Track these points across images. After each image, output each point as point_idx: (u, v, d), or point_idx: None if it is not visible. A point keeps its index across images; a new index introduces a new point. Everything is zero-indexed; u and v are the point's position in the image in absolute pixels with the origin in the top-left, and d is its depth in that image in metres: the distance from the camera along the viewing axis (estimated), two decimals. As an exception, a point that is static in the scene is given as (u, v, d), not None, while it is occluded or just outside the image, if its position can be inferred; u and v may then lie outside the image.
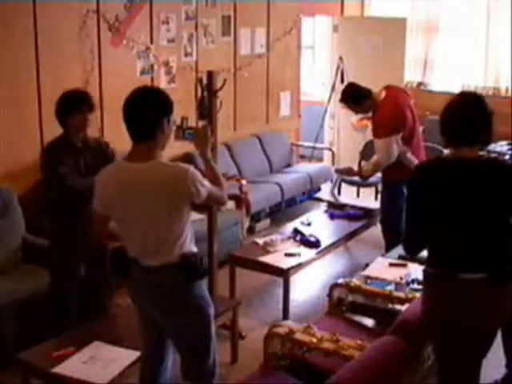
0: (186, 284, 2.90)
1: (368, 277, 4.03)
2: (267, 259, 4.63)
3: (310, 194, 7.43)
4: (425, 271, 2.92)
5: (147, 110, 2.82)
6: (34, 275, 4.29)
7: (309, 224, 5.32)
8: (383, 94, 5.09)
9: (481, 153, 2.87)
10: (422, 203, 2.79)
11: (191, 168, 2.85)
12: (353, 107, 5.22)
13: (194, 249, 2.98)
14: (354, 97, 5.12)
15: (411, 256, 3.08)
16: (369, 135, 5.94)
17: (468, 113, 2.79)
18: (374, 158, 5.15)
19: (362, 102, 5.08)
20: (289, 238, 5.00)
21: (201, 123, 3.57)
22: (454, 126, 2.81)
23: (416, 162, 4.99)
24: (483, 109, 2.79)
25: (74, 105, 3.86)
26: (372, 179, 6.08)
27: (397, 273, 4.04)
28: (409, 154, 5.03)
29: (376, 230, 5.59)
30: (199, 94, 3.99)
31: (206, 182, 2.92)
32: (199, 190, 2.84)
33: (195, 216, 5.55)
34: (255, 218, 6.47)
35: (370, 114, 5.21)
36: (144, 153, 2.83)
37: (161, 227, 2.86)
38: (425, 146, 5.39)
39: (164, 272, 2.87)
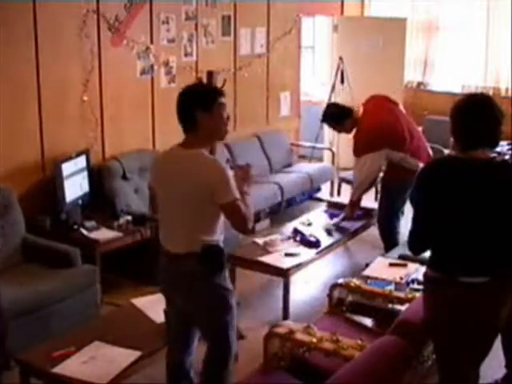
0: (207, 273, 3.06)
1: (368, 277, 4.03)
2: (267, 259, 4.63)
3: (309, 194, 7.42)
4: (426, 275, 2.91)
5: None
6: (34, 275, 4.29)
7: (309, 224, 5.32)
8: (360, 110, 5.08)
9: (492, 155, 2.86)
10: (429, 202, 2.77)
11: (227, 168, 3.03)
12: (335, 126, 5.24)
13: (220, 242, 3.20)
14: (335, 117, 5.15)
15: (416, 255, 3.07)
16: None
17: (486, 117, 2.75)
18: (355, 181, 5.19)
19: (342, 121, 5.09)
20: (289, 238, 5.00)
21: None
22: (471, 130, 2.76)
23: (418, 163, 4.98)
24: (497, 111, 2.77)
25: None
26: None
27: (397, 273, 4.04)
28: (409, 158, 5.01)
29: (376, 230, 5.58)
30: (199, 94, 3.98)
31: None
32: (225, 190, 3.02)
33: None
34: (255, 217, 6.45)
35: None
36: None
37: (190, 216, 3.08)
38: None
39: (188, 260, 3.04)
